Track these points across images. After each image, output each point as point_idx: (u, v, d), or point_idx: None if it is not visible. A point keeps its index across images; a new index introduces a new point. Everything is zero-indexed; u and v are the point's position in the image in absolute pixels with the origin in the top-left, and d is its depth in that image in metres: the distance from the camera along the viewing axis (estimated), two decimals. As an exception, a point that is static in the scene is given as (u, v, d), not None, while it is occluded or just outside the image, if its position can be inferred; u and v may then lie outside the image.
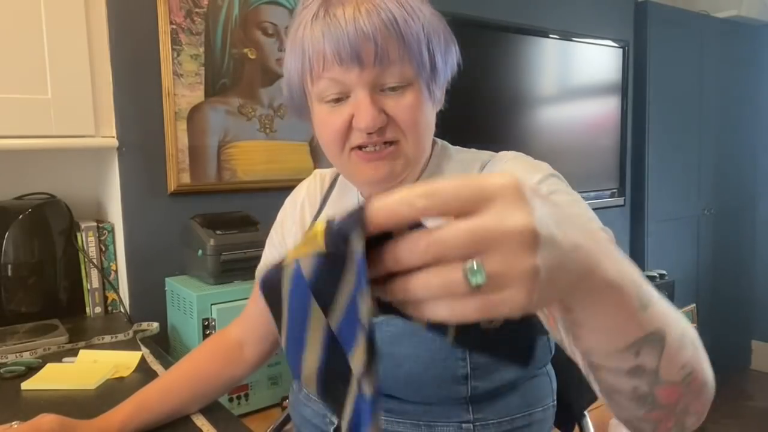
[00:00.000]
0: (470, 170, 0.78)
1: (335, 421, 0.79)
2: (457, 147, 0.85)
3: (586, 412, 0.98)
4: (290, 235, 0.93)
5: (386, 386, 0.76)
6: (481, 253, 0.33)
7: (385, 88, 0.70)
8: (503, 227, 0.33)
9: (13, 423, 0.86)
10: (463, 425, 0.75)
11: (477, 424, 0.75)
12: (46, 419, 0.81)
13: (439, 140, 0.84)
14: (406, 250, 0.35)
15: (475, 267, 0.33)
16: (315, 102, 0.74)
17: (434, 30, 0.72)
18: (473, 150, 0.83)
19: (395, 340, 0.74)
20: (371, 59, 0.67)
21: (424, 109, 0.72)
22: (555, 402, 0.85)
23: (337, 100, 0.71)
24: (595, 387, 0.52)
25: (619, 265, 0.41)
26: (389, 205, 0.34)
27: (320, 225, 0.36)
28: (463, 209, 0.34)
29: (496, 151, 0.81)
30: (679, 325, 0.48)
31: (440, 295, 0.34)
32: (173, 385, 0.94)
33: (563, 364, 0.96)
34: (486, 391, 0.75)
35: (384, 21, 0.67)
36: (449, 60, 0.75)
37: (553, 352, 0.85)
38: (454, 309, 0.34)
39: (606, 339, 0.44)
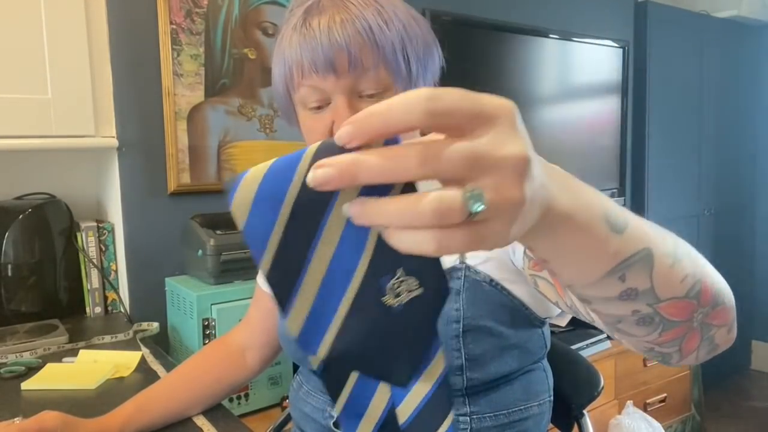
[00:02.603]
0: None
1: (334, 415, 0.80)
2: None
3: (585, 412, 0.98)
4: None
5: None
6: (474, 179, 0.31)
7: (363, 95, 0.72)
8: (502, 153, 0.31)
9: (15, 419, 0.86)
10: (460, 418, 0.76)
11: (473, 416, 0.76)
12: (49, 415, 0.81)
13: None
14: (396, 159, 0.31)
15: (476, 192, 0.31)
16: (299, 108, 0.76)
17: (412, 36, 0.73)
18: None
19: None
20: (345, 67, 0.70)
21: None
22: (552, 397, 0.85)
23: (319, 108, 0.74)
24: (600, 325, 0.51)
25: (577, 195, 0.39)
26: (385, 104, 0.31)
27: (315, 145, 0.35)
28: (460, 124, 0.31)
29: None
30: (666, 241, 0.46)
31: (429, 221, 0.31)
32: (175, 388, 0.95)
33: (562, 363, 0.97)
34: (482, 383, 0.75)
35: (358, 30, 0.69)
36: (429, 64, 0.76)
37: (548, 346, 0.85)
38: (442, 240, 0.31)
39: (580, 270, 0.43)
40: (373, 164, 0.31)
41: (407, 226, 0.32)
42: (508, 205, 0.32)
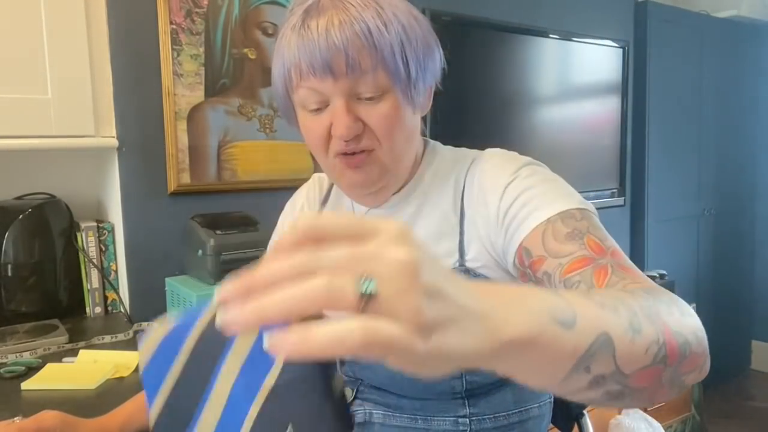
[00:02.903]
0: (462, 166, 0.80)
1: None
2: (448, 146, 0.87)
3: (585, 412, 0.98)
4: None
5: (382, 382, 0.77)
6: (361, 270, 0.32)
7: (362, 97, 0.72)
8: (384, 253, 0.32)
9: (15, 418, 0.86)
10: (460, 420, 0.76)
11: (473, 418, 0.76)
12: (49, 415, 0.81)
13: (430, 140, 0.86)
14: (281, 263, 0.33)
15: (367, 275, 0.31)
16: (298, 109, 0.77)
17: (412, 37, 0.72)
18: (463, 149, 0.85)
19: None
20: (343, 70, 0.69)
21: (401, 116, 0.73)
22: (552, 399, 0.85)
23: (318, 109, 0.74)
24: None
25: (522, 307, 0.39)
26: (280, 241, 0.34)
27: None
28: (345, 237, 0.33)
29: None
30: (620, 314, 0.45)
31: (320, 303, 0.31)
32: None
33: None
34: (481, 386, 0.76)
35: (357, 32, 0.68)
36: (429, 66, 0.75)
37: None
38: (337, 333, 0.31)
39: (546, 376, 0.42)
40: (269, 271, 0.33)
41: (295, 308, 0.31)
42: (405, 305, 0.31)
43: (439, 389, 0.75)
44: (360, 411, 0.79)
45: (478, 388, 0.76)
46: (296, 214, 0.95)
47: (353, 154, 0.74)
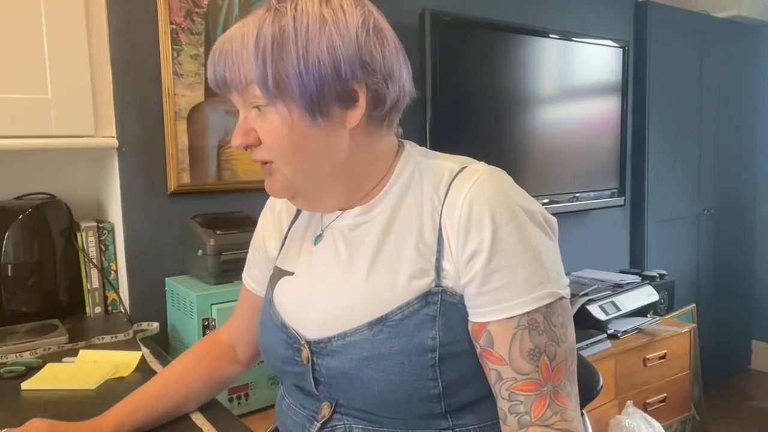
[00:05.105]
0: (442, 178, 0.75)
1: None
2: (424, 150, 0.83)
3: (584, 411, 0.98)
4: (271, 241, 0.93)
5: (359, 404, 0.75)
6: None
7: (256, 105, 0.72)
8: None
9: (2, 430, 0.85)
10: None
11: (457, 430, 0.74)
12: (36, 424, 0.80)
13: (406, 142, 0.82)
14: None
15: None
16: None
17: (314, 45, 0.68)
18: (446, 155, 0.81)
19: (363, 363, 0.72)
20: (230, 85, 0.72)
21: (291, 131, 0.71)
22: None
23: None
24: None
25: None
26: None
27: None
28: None
29: (491, 154, 0.79)
30: None
31: None
32: (167, 385, 0.94)
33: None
34: (462, 405, 0.74)
35: (241, 46, 0.69)
36: (323, 78, 0.69)
37: None
38: None
39: None
40: None
41: None
42: None
43: (417, 412, 0.73)
44: (340, 425, 0.77)
45: (458, 407, 0.74)
46: (275, 217, 0.93)
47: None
